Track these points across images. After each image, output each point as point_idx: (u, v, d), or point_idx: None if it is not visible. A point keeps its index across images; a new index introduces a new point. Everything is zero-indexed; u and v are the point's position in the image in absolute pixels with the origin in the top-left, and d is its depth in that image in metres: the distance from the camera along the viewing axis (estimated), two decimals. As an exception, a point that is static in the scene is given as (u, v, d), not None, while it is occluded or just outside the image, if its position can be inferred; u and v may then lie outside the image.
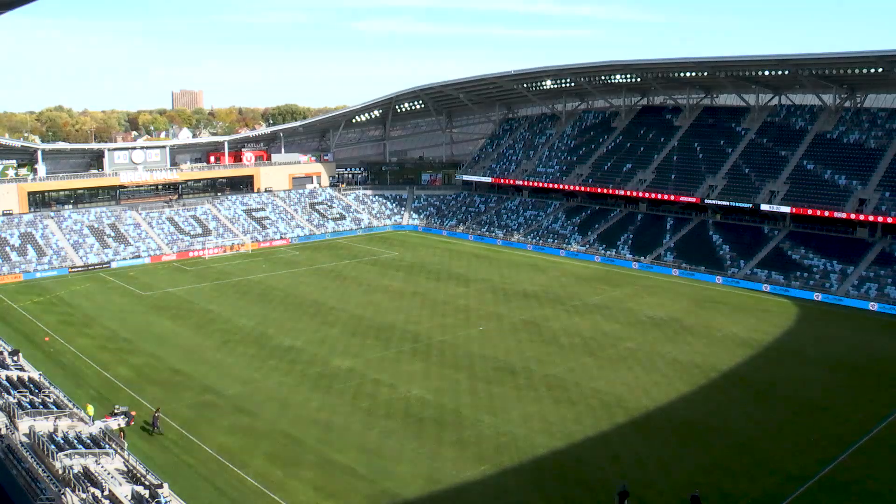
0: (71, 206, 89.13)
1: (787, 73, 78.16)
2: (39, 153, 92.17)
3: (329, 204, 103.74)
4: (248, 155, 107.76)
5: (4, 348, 45.70)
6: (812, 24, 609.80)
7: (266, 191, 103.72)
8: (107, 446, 30.77)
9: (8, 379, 38.35)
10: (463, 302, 62.63)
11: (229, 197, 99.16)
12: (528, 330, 54.46)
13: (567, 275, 73.33)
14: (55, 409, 34.37)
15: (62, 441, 30.43)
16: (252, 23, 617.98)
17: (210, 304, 62.15)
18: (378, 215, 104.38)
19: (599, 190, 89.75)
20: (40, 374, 41.79)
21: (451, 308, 60.70)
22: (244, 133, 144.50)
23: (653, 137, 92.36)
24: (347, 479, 32.33)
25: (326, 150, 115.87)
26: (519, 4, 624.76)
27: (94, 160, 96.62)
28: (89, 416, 35.72)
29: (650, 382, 43.74)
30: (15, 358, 43.92)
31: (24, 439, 30.42)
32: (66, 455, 28.19)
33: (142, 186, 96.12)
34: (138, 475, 28.23)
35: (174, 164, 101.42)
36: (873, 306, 60.87)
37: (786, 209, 73.03)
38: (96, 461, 28.91)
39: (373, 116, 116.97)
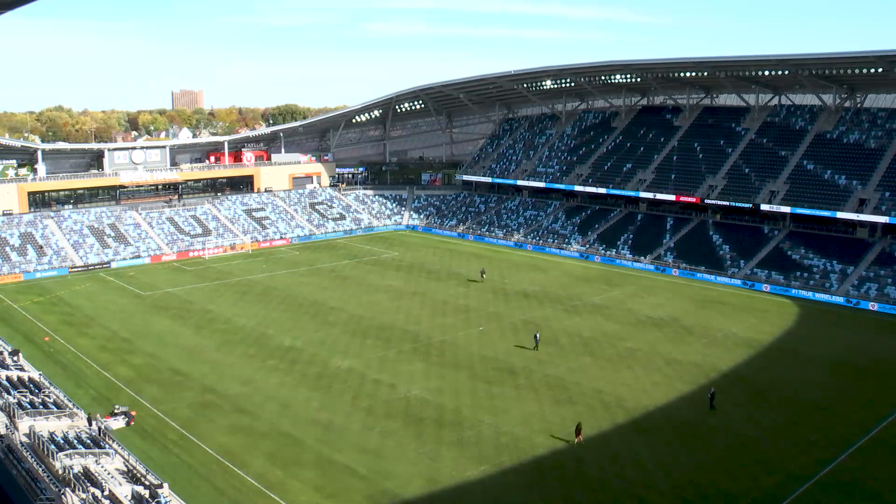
0: (71, 206, 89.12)
1: (787, 73, 78.16)
2: (39, 153, 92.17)
3: (329, 204, 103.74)
4: (248, 155, 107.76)
5: (4, 348, 45.69)
6: (812, 24, 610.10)
7: (266, 191, 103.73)
8: (107, 446, 30.78)
9: (8, 379, 38.35)
10: (463, 302, 62.64)
11: (229, 197, 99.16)
12: (528, 330, 54.44)
13: (567, 275, 73.33)
14: (55, 409, 34.37)
15: (62, 441, 30.43)
16: (253, 23, 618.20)
17: (210, 304, 62.16)
18: (378, 215, 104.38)
19: (599, 190, 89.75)
20: (40, 374, 41.78)
21: (451, 308, 60.70)
22: (244, 133, 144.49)
23: (653, 137, 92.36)
24: (347, 479, 32.34)
25: (326, 150, 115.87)
26: (519, 5, 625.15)
27: (94, 160, 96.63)
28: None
29: (650, 382, 43.75)
30: (15, 358, 43.92)
31: (24, 439, 30.41)
32: (66, 455, 28.19)
33: (142, 186, 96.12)
34: (138, 475, 28.24)
35: (174, 164, 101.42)
36: (873, 306, 60.87)
37: (786, 209, 73.04)
38: (96, 461, 28.91)
39: (373, 116, 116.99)
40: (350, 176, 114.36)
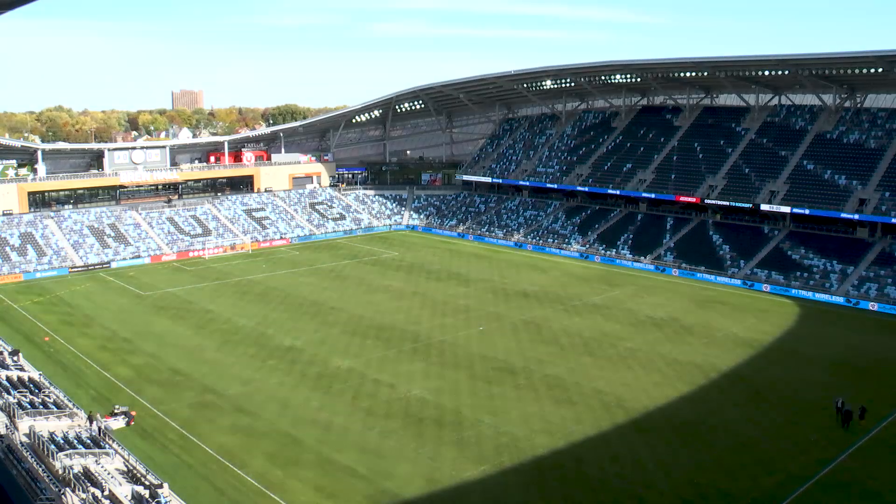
0: (71, 206, 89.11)
1: (787, 73, 78.16)
2: (39, 153, 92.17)
3: (329, 204, 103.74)
4: (248, 155, 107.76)
5: (4, 348, 45.70)
6: (812, 24, 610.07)
7: (266, 191, 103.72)
8: (107, 446, 30.78)
9: (8, 379, 38.35)
10: (463, 302, 62.63)
11: (229, 197, 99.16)
12: (528, 330, 54.46)
13: (567, 275, 73.33)
14: (55, 409, 34.38)
15: (62, 441, 30.43)
16: (253, 23, 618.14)
17: (210, 304, 62.15)
18: (378, 215, 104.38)
19: (599, 190, 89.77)
20: (40, 374, 41.79)
21: (451, 308, 60.70)
22: (244, 133, 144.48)
23: (653, 137, 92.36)
24: (347, 479, 32.34)
25: (326, 150, 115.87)
26: (519, 6, 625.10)
27: (94, 160, 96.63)
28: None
29: (650, 382, 43.74)
30: (15, 358, 43.92)
31: (24, 439, 30.41)
32: (66, 455, 28.20)
33: (142, 186, 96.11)
34: (138, 475, 28.24)
35: (174, 164, 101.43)
36: (873, 306, 60.87)
37: (786, 209, 73.04)
38: (96, 461, 28.91)
39: (373, 116, 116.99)
40: (350, 176, 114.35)
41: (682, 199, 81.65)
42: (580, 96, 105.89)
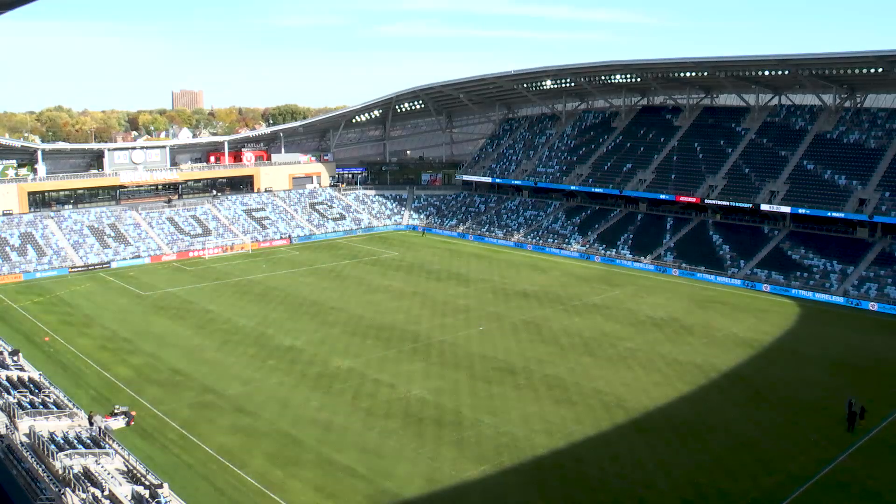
0: (71, 206, 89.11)
1: (787, 73, 78.15)
2: (39, 153, 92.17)
3: (329, 204, 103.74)
4: (248, 155, 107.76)
5: (4, 348, 45.70)
6: (812, 24, 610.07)
7: (266, 191, 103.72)
8: (107, 446, 30.79)
9: (8, 379, 38.35)
10: (463, 302, 62.64)
11: (229, 197, 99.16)
12: (528, 330, 54.46)
13: (567, 275, 73.34)
14: (55, 409, 34.38)
15: (62, 441, 30.44)
16: (253, 23, 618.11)
17: (210, 304, 62.16)
18: (378, 215, 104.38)
19: (599, 190, 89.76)
20: (40, 374, 41.79)
21: (451, 308, 60.71)
22: (244, 133, 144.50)
23: (653, 137, 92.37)
24: (347, 479, 32.34)
25: (326, 150, 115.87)
26: (520, 7, 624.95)
27: (94, 160, 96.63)
28: None
29: (650, 382, 43.75)
30: (15, 358, 43.92)
31: (24, 439, 30.41)
32: (66, 455, 28.20)
33: (142, 186, 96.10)
34: (138, 475, 28.24)
35: (174, 164, 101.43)
36: (873, 306, 60.87)
37: (786, 209, 73.04)
38: (96, 461, 28.91)
39: (373, 116, 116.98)
40: (350, 176, 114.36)
41: (682, 199, 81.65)
42: (580, 96, 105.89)
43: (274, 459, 34.20)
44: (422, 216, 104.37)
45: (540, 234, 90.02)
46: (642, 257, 77.91)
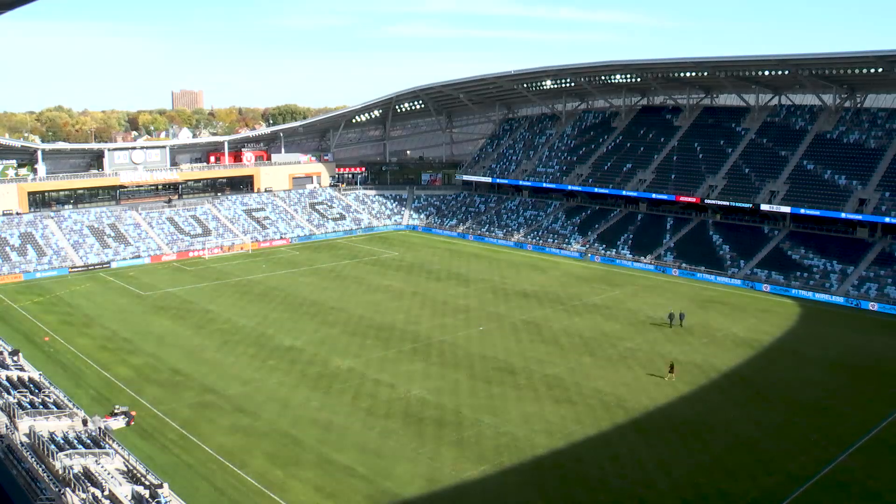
0: (71, 206, 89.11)
1: (787, 73, 78.15)
2: (39, 153, 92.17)
3: (329, 204, 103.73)
4: (248, 155, 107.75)
5: (4, 348, 45.70)
6: (812, 24, 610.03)
7: (266, 191, 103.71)
8: (107, 446, 30.79)
9: (8, 379, 38.35)
10: (463, 302, 62.63)
11: (229, 197, 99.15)
12: (528, 330, 54.46)
13: (567, 275, 73.32)
14: (55, 409, 34.37)
15: (62, 441, 30.44)
16: (253, 24, 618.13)
17: (210, 304, 62.15)
18: (378, 215, 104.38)
19: (599, 190, 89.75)
20: (40, 374, 41.79)
21: (451, 308, 60.70)
22: (244, 133, 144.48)
23: (653, 137, 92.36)
24: (347, 479, 32.34)
25: (326, 150, 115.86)
26: (521, 8, 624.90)
27: (94, 160, 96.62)
28: None
29: (650, 382, 43.75)
30: (15, 358, 43.92)
31: (24, 439, 30.42)
32: (66, 455, 28.20)
33: (142, 186, 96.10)
34: (138, 475, 28.24)
35: (174, 164, 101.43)
36: (873, 306, 60.87)
37: (786, 209, 73.03)
38: (96, 461, 28.91)
39: (373, 116, 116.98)
40: (350, 176, 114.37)
41: (682, 199, 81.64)
42: (580, 96, 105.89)
43: (274, 459, 34.20)
44: (422, 216, 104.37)
45: (540, 234, 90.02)
46: (642, 257, 77.91)
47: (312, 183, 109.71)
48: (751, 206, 75.93)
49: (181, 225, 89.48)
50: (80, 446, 30.07)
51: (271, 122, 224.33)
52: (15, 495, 25.89)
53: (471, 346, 50.80)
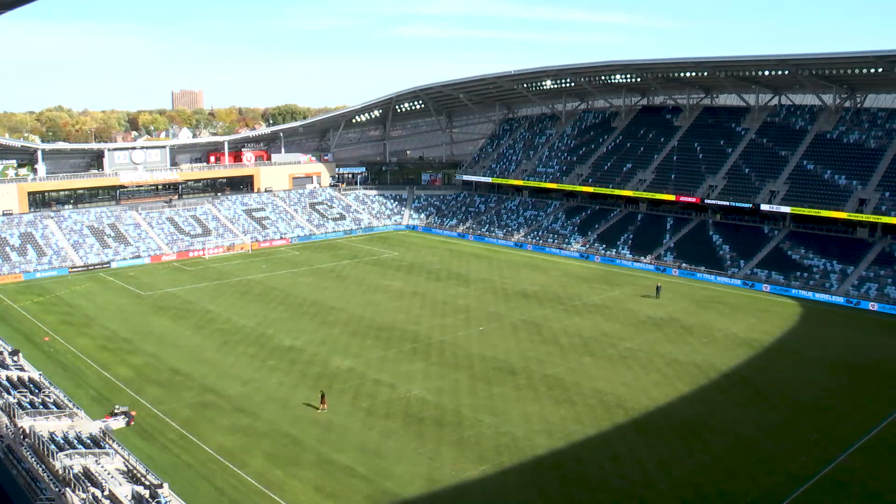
0: (71, 206, 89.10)
1: (787, 73, 78.14)
2: (39, 153, 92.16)
3: (329, 204, 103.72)
4: (248, 155, 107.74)
5: (4, 348, 45.71)
6: (812, 24, 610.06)
7: (266, 191, 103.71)
8: (107, 446, 30.79)
9: (8, 379, 38.36)
10: (463, 302, 62.63)
11: (229, 197, 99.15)
12: (528, 330, 54.46)
13: (567, 275, 73.32)
14: (55, 409, 34.38)
15: (62, 441, 30.44)
16: (253, 24, 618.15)
17: (210, 304, 62.15)
18: (378, 215, 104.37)
19: (599, 190, 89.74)
20: (40, 374, 41.81)
21: (451, 308, 60.70)
22: (244, 133, 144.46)
23: (653, 137, 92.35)
24: (347, 479, 32.34)
25: (326, 150, 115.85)
26: (520, 9, 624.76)
27: (94, 160, 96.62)
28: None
29: (650, 382, 43.74)
30: (15, 358, 43.93)
31: (24, 439, 30.40)
32: (66, 455, 28.21)
33: (142, 186, 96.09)
34: (138, 475, 28.25)
35: (174, 164, 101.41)
36: (873, 306, 60.86)
37: (786, 209, 73.03)
38: (96, 461, 28.92)
39: (373, 116, 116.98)
40: (350, 176, 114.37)
41: (682, 199, 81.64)
42: (580, 96, 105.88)
43: (274, 459, 34.20)
44: (422, 216, 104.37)
45: (540, 234, 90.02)
46: (642, 257, 77.91)
47: (312, 183, 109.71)
48: (751, 206, 75.93)
49: (181, 225, 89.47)
50: (80, 446, 30.07)
51: (271, 122, 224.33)
52: (15, 495, 25.91)
53: (471, 346, 50.80)
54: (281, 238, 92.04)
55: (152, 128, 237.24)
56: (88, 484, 25.84)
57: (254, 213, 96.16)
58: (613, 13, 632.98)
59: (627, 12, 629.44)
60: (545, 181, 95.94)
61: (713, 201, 79.21)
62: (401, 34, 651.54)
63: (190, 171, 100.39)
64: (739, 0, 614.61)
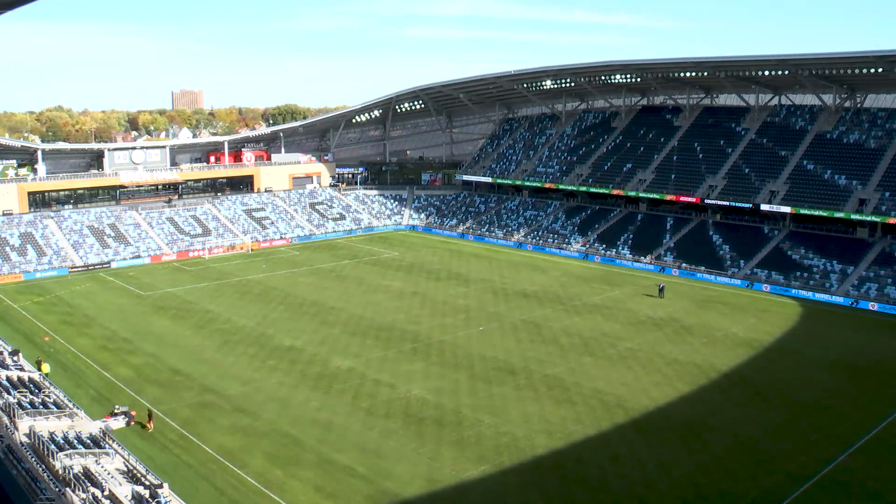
0: (71, 206, 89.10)
1: (787, 73, 78.14)
2: (39, 153, 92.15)
3: (329, 204, 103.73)
4: (248, 155, 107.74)
5: (4, 348, 45.70)
6: (812, 24, 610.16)
7: (266, 191, 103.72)
8: (107, 446, 30.79)
9: (8, 379, 38.36)
10: (463, 302, 62.63)
11: (229, 197, 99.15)
12: (528, 330, 54.46)
13: (567, 275, 73.32)
14: (55, 409, 34.38)
15: (62, 441, 30.44)
16: (253, 24, 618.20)
17: (210, 304, 62.15)
18: (378, 215, 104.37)
19: (600, 190, 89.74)
20: (40, 374, 41.78)
21: (451, 308, 60.70)
22: (244, 133, 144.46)
23: (653, 137, 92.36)
24: (347, 479, 32.34)
25: (326, 150, 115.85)
26: (520, 10, 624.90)
27: (94, 160, 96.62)
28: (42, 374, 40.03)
29: (650, 382, 43.74)
30: (15, 358, 43.92)
31: (24, 439, 30.42)
32: (66, 455, 28.20)
33: (142, 186, 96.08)
34: (138, 475, 28.24)
35: (174, 164, 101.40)
36: (873, 306, 60.86)
37: (786, 209, 73.03)
38: (96, 461, 28.92)
39: (373, 116, 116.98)
40: (350, 176, 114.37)
41: (682, 199, 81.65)
42: (580, 96, 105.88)
43: (274, 459, 34.20)
44: (422, 216, 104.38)
45: (540, 234, 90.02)
46: (642, 257, 77.91)
47: (312, 183, 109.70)
48: (751, 206, 75.93)
49: (181, 225, 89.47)
50: (80, 446, 30.08)
51: (271, 122, 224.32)
52: (15, 495, 25.91)
53: (471, 346, 50.80)
54: (281, 238, 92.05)
55: (152, 128, 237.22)
56: (88, 484, 25.84)
57: (254, 213, 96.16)
58: (615, 14, 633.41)
59: (628, 13, 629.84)
60: (545, 181, 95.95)
61: (713, 201, 79.22)
62: (401, 35, 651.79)
63: (190, 171, 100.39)
64: (739, 0, 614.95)
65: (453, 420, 38.53)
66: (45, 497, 25.66)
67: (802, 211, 71.91)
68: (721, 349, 49.93)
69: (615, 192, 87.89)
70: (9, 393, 35.31)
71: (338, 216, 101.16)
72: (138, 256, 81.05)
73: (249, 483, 32.01)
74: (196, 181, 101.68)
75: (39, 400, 35.50)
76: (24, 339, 52.55)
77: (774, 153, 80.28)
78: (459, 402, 40.94)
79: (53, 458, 27.74)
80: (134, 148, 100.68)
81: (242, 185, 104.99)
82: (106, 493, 25.44)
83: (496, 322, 56.60)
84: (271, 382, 44.14)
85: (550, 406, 40.30)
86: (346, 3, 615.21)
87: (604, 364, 47.02)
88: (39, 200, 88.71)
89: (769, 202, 74.73)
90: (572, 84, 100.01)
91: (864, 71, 73.02)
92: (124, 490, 26.29)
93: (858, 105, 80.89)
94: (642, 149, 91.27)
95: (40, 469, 27.58)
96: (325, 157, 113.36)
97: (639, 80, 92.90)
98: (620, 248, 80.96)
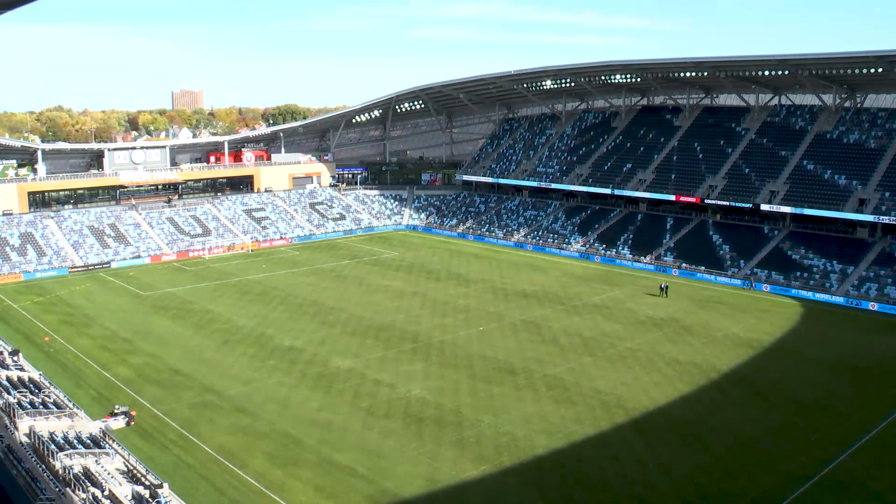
0: (71, 206, 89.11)
1: (787, 73, 78.13)
2: (39, 153, 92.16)
3: (329, 204, 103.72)
4: (248, 155, 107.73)
5: (4, 348, 45.69)
6: (812, 24, 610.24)
7: (266, 191, 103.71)
8: (107, 446, 30.79)
9: (8, 379, 38.35)
10: (463, 302, 62.63)
11: (229, 197, 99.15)
12: (528, 330, 54.45)
13: (567, 275, 73.32)
14: (55, 409, 34.38)
15: (62, 441, 30.44)
16: (253, 24, 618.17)
17: (210, 304, 62.15)
18: (378, 215, 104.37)
19: (599, 190, 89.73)
20: (40, 374, 41.79)
21: (451, 308, 60.70)
22: (244, 133, 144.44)
23: (653, 137, 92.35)
24: (347, 479, 32.33)
25: (326, 150, 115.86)
26: (520, 11, 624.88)
27: (94, 160, 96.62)
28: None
29: (650, 382, 43.74)
30: (15, 358, 43.92)
31: (24, 439, 30.42)
32: (66, 455, 28.20)
33: (142, 186, 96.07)
34: (138, 475, 28.25)
35: (174, 164, 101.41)
36: (873, 306, 60.85)
37: (786, 209, 73.02)
38: (96, 461, 28.92)
39: (373, 116, 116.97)
40: (350, 176, 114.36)
41: (682, 199, 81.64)
42: (580, 96, 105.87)
43: (274, 459, 34.20)
44: (422, 216, 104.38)
45: (540, 234, 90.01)
46: (642, 257, 77.90)
47: (312, 183, 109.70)
48: (751, 206, 75.92)
49: (181, 225, 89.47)
50: (80, 446, 30.08)
51: (271, 122, 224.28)
52: (15, 495, 25.90)
53: (471, 346, 50.80)
54: (281, 238, 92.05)
55: (152, 128, 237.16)
56: (88, 484, 25.84)
57: (254, 213, 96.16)
58: (617, 16, 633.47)
59: (631, 15, 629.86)
60: (545, 181, 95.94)
61: (713, 201, 79.21)
62: (401, 35, 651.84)
63: (190, 171, 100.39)
64: (739, 0, 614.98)
65: (453, 420, 38.53)
66: (46, 497, 25.66)
67: (802, 211, 71.90)
68: (721, 349, 49.92)
69: (615, 192, 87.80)
70: (9, 393, 35.30)
71: (338, 216, 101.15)
72: (138, 256, 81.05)
73: (249, 483, 32.02)
74: (196, 181, 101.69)
75: (39, 400, 35.51)
76: (24, 339, 52.55)
77: (774, 153, 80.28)
78: (459, 402, 40.94)
79: (53, 458, 27.74)
80: (134, 148, 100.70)
81: (242, 185, 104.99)
82: (106, 493, 25.45)
83: (496, 322, 56.60)
84: (271, 382, 44.15)
85: (550, 406, 40.29)
86: (346, 4, 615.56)
87: (604, 364, 47.02)
88: (39, 200, 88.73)
89: (769, 202, 74.73)
90: (572, 84, 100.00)
91: (864, 71, 73.01)
92: (124, 490, 26.30)
93: (858, 105, 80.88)
94: (642, 149, 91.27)
95: (40, 469, 27.59)
96: (325, 157, 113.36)
97: (639, 80, 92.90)
98: (620, 248, 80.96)
